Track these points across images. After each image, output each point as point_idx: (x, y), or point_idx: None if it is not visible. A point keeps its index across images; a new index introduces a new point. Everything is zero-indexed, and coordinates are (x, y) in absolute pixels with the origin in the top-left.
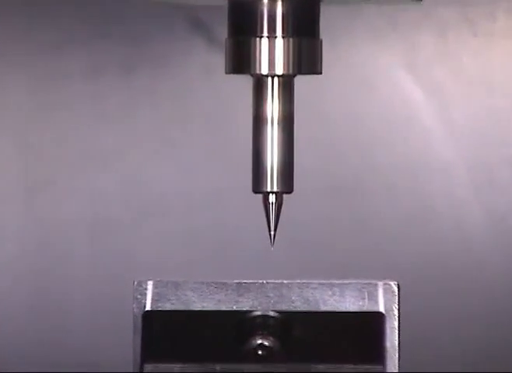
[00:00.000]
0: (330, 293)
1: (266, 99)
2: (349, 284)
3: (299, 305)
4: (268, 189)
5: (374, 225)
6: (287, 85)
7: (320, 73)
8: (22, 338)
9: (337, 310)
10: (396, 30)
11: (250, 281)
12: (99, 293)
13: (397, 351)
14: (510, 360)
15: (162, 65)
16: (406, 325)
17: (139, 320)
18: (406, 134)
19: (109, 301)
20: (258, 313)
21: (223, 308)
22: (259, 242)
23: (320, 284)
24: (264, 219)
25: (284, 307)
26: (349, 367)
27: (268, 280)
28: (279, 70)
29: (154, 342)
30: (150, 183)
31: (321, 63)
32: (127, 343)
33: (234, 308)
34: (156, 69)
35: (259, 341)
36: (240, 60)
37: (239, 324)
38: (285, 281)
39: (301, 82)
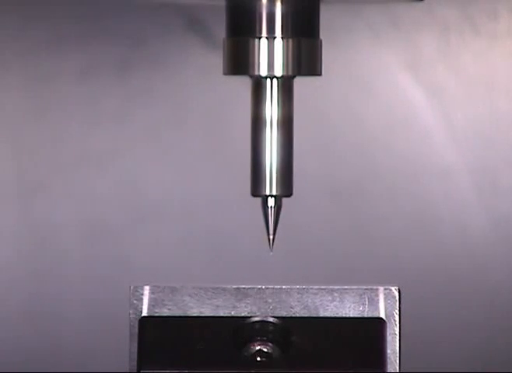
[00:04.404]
0: (330, 298)
1: (265, 100)
2: (349, 289)
3: (299, 311)
4: (267, 193)
5: (375, 229)
6: (286, 86)
7: (320, 74)
8: (17, 343)
9: (337, 316)
10: (397, 30)
11: (249, 286)
12: (94, 298)
13: (398, 357)
14: (511, 366)
15: (158, 66)
16: (407, 330)
17: (136, 326)
18: (407, 136)
19: (105, 307)
20: (257, 319)
21: (221, 313)
22: (258, 246)
23: (319, 289)
24: (263, 223)
25: (283, 312)
26: None
27: (267, 286)
28: (278, 71)
29: (151, 348)
30: (147, 186)
31: (321, 64)
32: (123, 349)
33: (232, 313)
34: (153, 70)
35: (258, 347)
36: (239, 61)
37: (237, 330)
38: (284, 286)
39: (301, 83)
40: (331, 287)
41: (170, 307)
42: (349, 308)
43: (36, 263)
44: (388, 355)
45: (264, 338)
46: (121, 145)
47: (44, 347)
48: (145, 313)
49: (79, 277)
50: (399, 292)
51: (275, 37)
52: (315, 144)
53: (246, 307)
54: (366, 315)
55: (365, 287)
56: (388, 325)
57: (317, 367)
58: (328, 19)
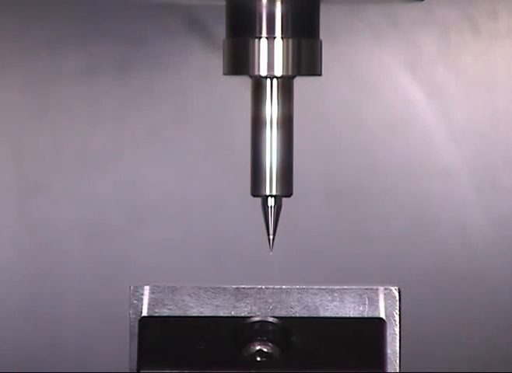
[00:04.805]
0: (330, 298)
1: (265, 100)
2: (350, 289)
3: (299, 311)
4: (267, 193)
5: (375, 229)
6: (286, 86)
7: (320, 74)
8: (17, 343)
9: (337, 316)
10: (397, 30)
11: (249, 286)
12: (94, 298)
13: (398, 357)
14: (511, 366)
15: (159, 66)
16: (407, 330)
17: (136, 326)
18: (407, 136)
19: (105, 307)
20: (257, 319)
21: (221, 313)
22: (258, 246)
23: (319, 289)
24: (263, 223)
25: (283, 313)
26: None
27: (267, 286)
28: (278, 71)
29: (150, 348)
30: (147, 186)
31: (321, 64)
32: (123, 349)
33: (232, 313)
34: (153, 70)
35: (258, 347)
36: (239, 61)
37: (237, 330)
38: (284, 286)
39: (301, 83)
40: (331, 287)
41: (170, 307)
42: (349, 308)
43: (36, 263)
44: (388, 355)
45: (264, 338)
46: (121, 145)
47: (44, 347)
48: (145, 313)
49: (79, 277)
50: (399, 292)
51: (275, 37)
52: (315, 144)
53: (246, 307)
54: (366, 315)
55: (365, 287)
56: (388, 325)
57: (317, 367)
58: (328, 19)
